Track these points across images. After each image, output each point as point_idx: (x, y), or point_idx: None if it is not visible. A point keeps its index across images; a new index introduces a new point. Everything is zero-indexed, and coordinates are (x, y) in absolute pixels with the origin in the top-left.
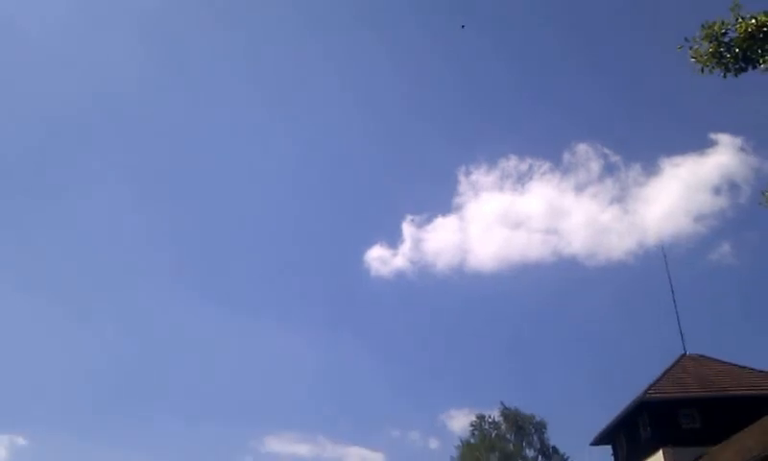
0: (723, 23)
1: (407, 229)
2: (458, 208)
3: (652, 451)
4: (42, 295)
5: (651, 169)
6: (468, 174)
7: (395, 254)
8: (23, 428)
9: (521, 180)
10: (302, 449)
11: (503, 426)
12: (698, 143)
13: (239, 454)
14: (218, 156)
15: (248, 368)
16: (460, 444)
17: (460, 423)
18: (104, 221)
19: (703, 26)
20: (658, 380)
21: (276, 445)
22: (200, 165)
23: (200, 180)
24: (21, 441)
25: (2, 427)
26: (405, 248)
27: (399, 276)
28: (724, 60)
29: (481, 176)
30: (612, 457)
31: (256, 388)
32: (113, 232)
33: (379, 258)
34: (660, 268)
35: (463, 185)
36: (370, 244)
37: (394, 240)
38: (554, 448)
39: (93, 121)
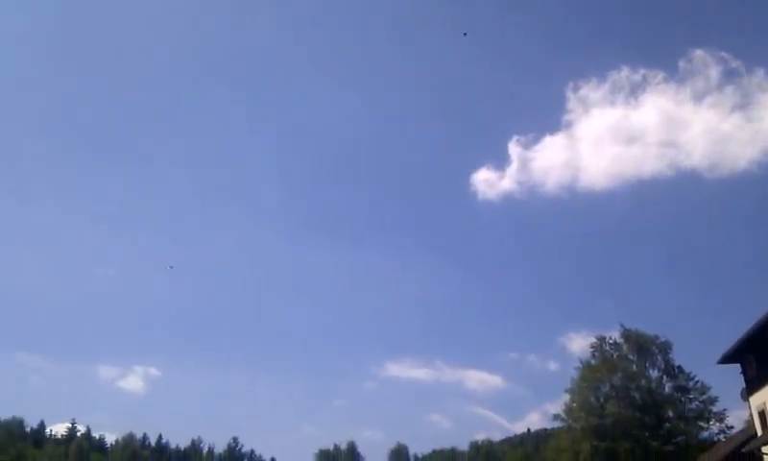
0: None
1: (514, 149)
2: (567, 126)
3: None
4: (165, 237)
5: None
6: (576, 89)
7: (501, 177)
8: (156, 360)
9: (634, 92)
10: (421, 374)
11: (624, 348)
12: None
13: (361, 379)
14: (326, 91)
15: (364, 297)
16: (580, 365)
17: (579, 345)
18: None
19: None
20: None
21: (395, 369)
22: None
23: (304, 113)
24: (155, 371)
25: (139, 360)
26: (512, 169)
27: (507, 198)
28: None
29: (591, 90)
30: (742, 376)
31: (375, 316)
32: (242, 177)
33: (486, 181)
34: None
35: (571, 102)
36: (476, 167)
37: (500, 162)
38: (679, 367)
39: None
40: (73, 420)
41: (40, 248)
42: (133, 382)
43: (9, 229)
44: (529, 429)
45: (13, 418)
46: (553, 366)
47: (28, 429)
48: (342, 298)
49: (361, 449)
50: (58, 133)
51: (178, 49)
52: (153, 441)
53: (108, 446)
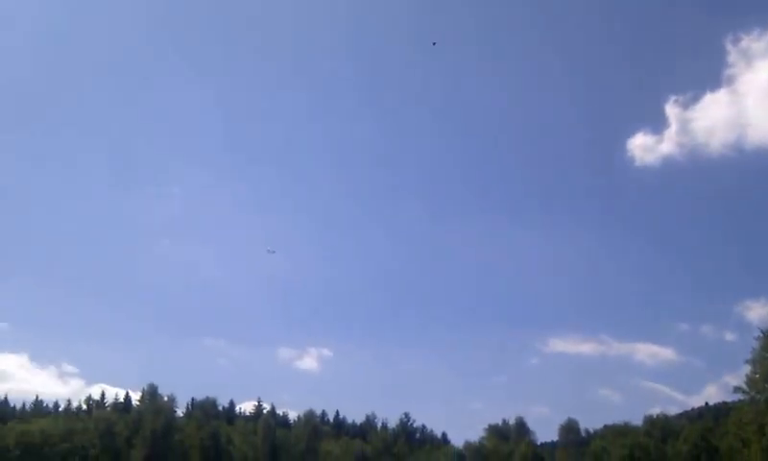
0: None
1: (671, 111)
2: (729, 81)
3: None
4: (319, 222)
5: None
6: (736, 42)
7: (659, 140)
8: (328, 342)
9: None
10: (586, 348)
11: None
12: None
13: (524, 355)
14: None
15: (525, 273)
16: (761, 334)
17: (758, 313)
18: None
19: None
20: None
21: (559, 345)
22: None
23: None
24: (327, 352)
25: (313, 342)
26: (671, 132)
27: (667, 162)
28: None
29: (752, 41)
30: None
31: (536, 290)
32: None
33: (642, 146)
34: None
35: (732, 55)
36: (631, 133)
37: (657, 125)
38: None
39: None
40: (259, 398)
41: (215, 239)
42: (309, 363)
43: (184, 224)
44: (707, 403)
45: (207, 398)
46: (729, 336)
47: (220, 408)
48: (503, 275)
49: (530, 425)
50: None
51: None
52: (331, 417)
53: (292, 422)
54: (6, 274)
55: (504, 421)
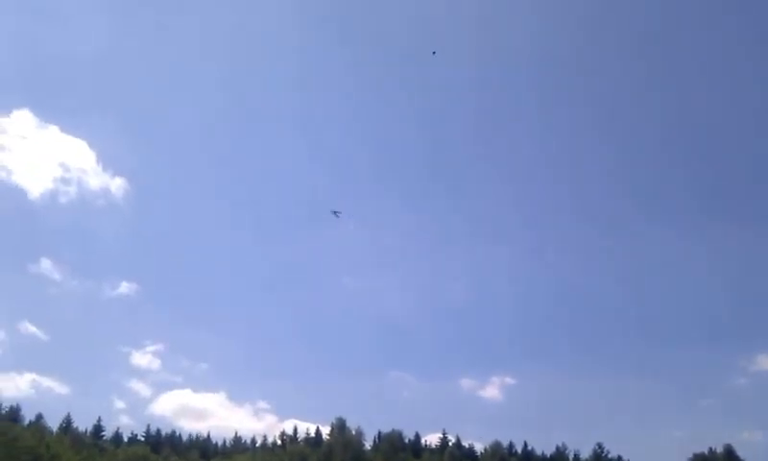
0: None
1: None
2: None
3: None
4: (496, 247)
5: None
6: None
7: None
8: (511, 370)
9: None
10: None
11: None
12: None
13: (729, 375)
14: None
15: (722, 281)
16: None
17: None
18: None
19: None
20: None
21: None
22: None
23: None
24: (509, 380)
25: (495, 371)
26: None
27: None
28: None
29: None
30: None
31: (737, 302)
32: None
33: None
34: None
35: None
36: None
37: None
38: None
39: None
40: (444, 430)
41: (393, 270)
42: (492, 392)
43: (363, 258)
44: None
45: (393, 431)
46: None
47: (406, 441)
48: (698, 287)
49: (740, 453)
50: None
51: None
52: (518, 448)
53: (478, 453)
54: (202, 320)
55: (711, 449)
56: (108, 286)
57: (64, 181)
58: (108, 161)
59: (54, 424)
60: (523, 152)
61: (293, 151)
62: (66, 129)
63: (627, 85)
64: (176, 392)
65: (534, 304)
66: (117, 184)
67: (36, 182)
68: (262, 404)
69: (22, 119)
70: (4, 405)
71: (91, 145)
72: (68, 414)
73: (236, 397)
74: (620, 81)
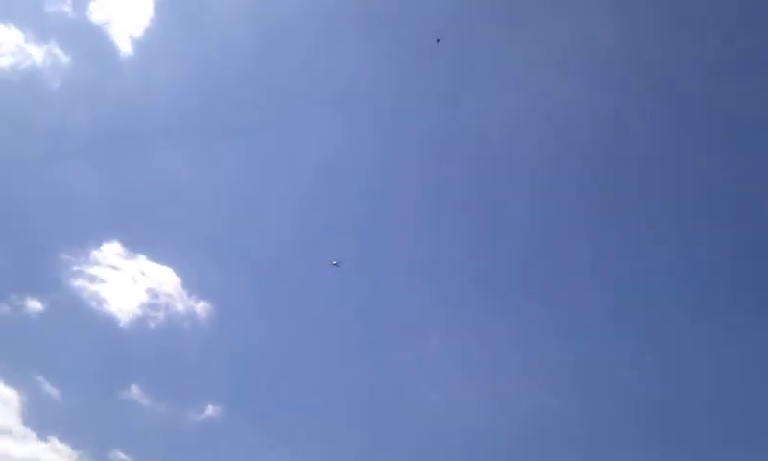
0: None
1: None
2: None
3: None
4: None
5: None
6: None
7: None
8: None
9: None
10: None
11: None
12: None
13: None
14: None
15: None
16: None
17: None
18: None
19: None
20: None
21: None
22: None
23: None
24: None
25: None
26: None
27: None
28: None
29: None
30: None
31: None
32: None
33: None
34: None
35: None
36: None
37: None
38: None
39: None
40: None
41: (478, 382)
42: None
43: (446, 371)
44: None
45: None
46: None
47: None
48: None
49: None
50: None
51: None
52: None
53: None
54: (288, 442)
55: None
56: (193, 410)
57: (152, 306)
58: (193, 286)
59: None
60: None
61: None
62: (153, 257)
63: None
64: None
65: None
66: (201, 307)
67: (126, 311)
68: None
69: (112, 251)
70: None
71: (176, 271)
72: None
73: None
74: None
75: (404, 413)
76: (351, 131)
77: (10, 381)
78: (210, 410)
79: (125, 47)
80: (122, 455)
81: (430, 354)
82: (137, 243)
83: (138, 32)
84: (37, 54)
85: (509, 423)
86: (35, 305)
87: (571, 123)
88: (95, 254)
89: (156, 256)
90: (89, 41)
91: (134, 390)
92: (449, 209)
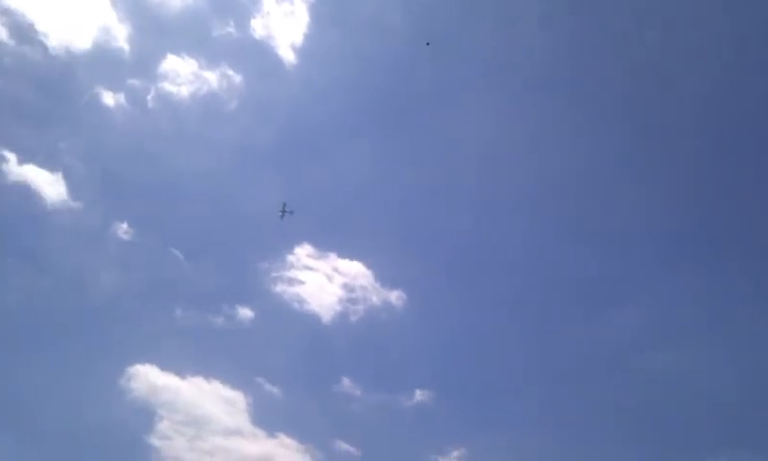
0: None
1: None
2: None
3: None
4: None
5: None
6: None
7: None
8: None
9: None
10: None
11: None
12: None
13: None
14: None
15: None
16: None
17: None
18: None
19: None
20: None
21: None
22: None
23: None
24: None
25: None
26: None
27: None
28: None
29: None
30: None
31: None
32: None
33: None
34: None
35: None
36: None
37: None
38: None
39: None
40: None
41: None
42: None
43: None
44: None
45: None
46: None
47: None
48: None
49: None
50: None
51: None
52: None
53: None
54: (499, 420)
55: None
56: (403, 396)
57: (351, 301)
58: (385, 278)
59: None
60: None
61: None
62: (343, 254)
63: None
64: None
65: None
66: (396, 297)
67: (326, 307)
68: None
69: (304, 253)
70: None
71: (367, 265)
72: None
73: None
74: None
75: (618, 379)
76: (516, 114)
77: (235, 385)
78: (419, 395)
79: (289, 57)
80: (344, 445)
81: (641, 318)
82: (326, 242)
83: (299, 39)
84: (212, 78)
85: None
86: (246, 313)
87: None
88: (290, 258)
89: (346, 253)
90: (256, 57)
91: (346, 382)
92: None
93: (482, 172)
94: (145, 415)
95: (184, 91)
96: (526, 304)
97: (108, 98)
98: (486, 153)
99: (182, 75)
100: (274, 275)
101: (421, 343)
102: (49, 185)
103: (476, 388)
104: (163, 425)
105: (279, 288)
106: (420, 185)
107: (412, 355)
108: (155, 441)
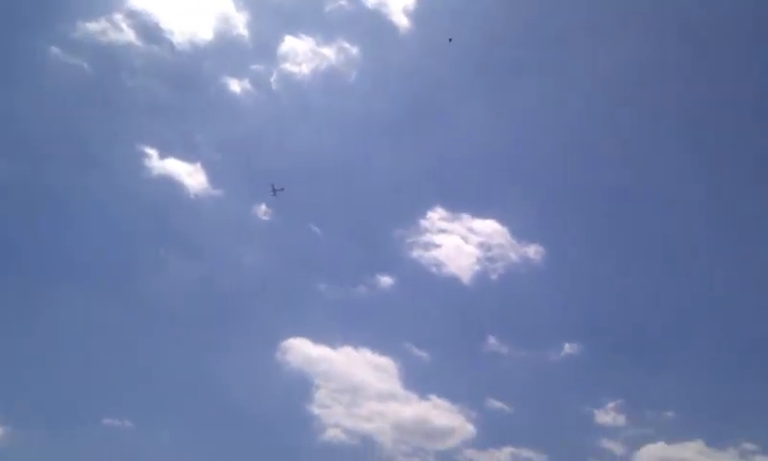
0: None
1: None
2: None
3: None
4: None
5: None
6: None
7: None
8: None
9: None
10: None
11: None
12: None
13: None
14: None
15: None
16: None
17: None
18: None
19: None
20: None
21: None
22: None
23: None
24: None
25: None
26: None
27: None
28: None
29: None
30: None
31: None
32: None
33: None
34: None
35: None
36: None
37: None
38: None
39: None
40: None
41: None
42: None
43: None
44: None
45: None
46: None
47: None
48: None
49: None
50: None
51: None
52: None
53: None
54: (652, 368)
55: None
56: (552, 350)
57: (489, 259)
58: (520, 233)
59: None
60: None
61: None
62: (475, 213)
63: None
64: (648, 446)
65: None
66: (534, 251)
67: (465, 268)
68: (749, 446)
69: (437, 216)
70: None
71: (500, 222)
72: None
73: (716, 442)
74: None
75: None
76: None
77: (384, 351)
78: (568, 348)
79: (402, 22)
80: (496, 402)
81: None
82: (458, 203)
83: (410, 4)
84: (330, 53)
85: None
86: (386, 281)
87: None
88: (423, 223)
89: (479, 212)
90: (370, 27)
91: (492, 341)
92: None
93: (611, 115)
94: (303, 385)
95: (305, 69)
96: (668, 246)
97: (234, 85)
98: (615, 94)
99: (301, 54)
100: (409, 241)
101: (565, 296)
102: (189, 176)
103: (626, 337)
104: (321, 394)
105: (416, 254)
106: (545, 136)
107: (556, 309)
108: (315, 409)
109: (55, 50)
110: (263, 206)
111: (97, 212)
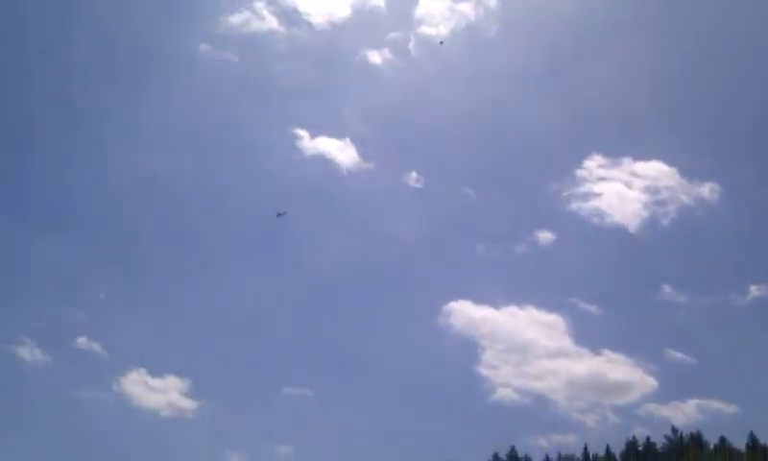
0: None
1: None
2: None
3: None
4: None
5: None
6: None
7: None
8: None
9: None
10: None
11: None
12: None
13: None
14: None
15: None
16: None
17: None
18: None
19: None
20: None
21: None
22: None
23: None
24: None
25: None
26: None
27: None
28: None
29: None
30: None
31: None
32: None
33: None
34: None
35: None
36: None
37: None
38: None
39: None
40: None
41: None
42: None
43: None
44: None
45: None
46: None
47: None
48: None
49: None
50: None
51: None
52: None
53: None
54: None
55: None
56: (735, 294)
57: (658, 203)
58: (691, 172)
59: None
60: None
61: None
62: (639, 156)
63: None
64: None
65: None
66: (709, 189)
67: (631, 216)
68: None
69: (594, 164)
70: (684, 433)
71: (668, 162)
72: (751, 432)
73: None
74: None
75: None
76: None
77: (550, 308)
78: (755, 290)
79: None
80: (677, 354)
81: None
82: (617, 148)
83: None
84: (467, 9)
85: None
86: (546, 237)
87: None
88: (580, 173)
89: (642, 154)
90: None
91: (666, 290)
92: None
93: None
94: (469, 348)
95: (443, 30)
96: None
97: (375, 57)
98: None
99: (438, 14)
100: (566, 193)
101: (747, 235)
102: (341, 152)
103: None
104: (488, 355)
105: (575, 206)
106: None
107: (738, 250)
108: (483, 370)
109: (204, 47)
110: (414, 174)
111: (260, 199)
